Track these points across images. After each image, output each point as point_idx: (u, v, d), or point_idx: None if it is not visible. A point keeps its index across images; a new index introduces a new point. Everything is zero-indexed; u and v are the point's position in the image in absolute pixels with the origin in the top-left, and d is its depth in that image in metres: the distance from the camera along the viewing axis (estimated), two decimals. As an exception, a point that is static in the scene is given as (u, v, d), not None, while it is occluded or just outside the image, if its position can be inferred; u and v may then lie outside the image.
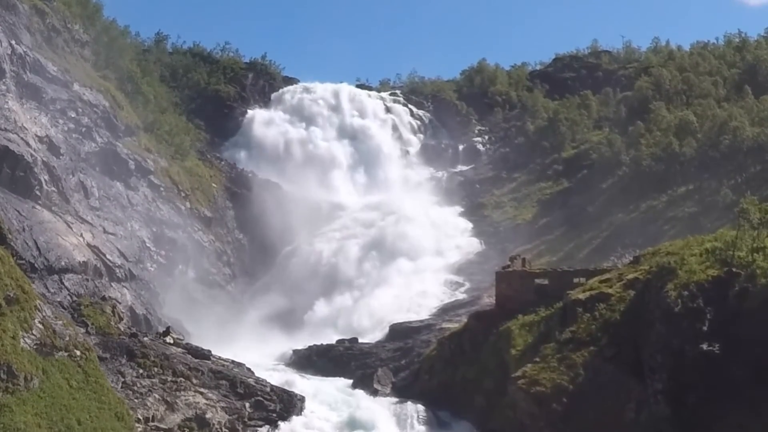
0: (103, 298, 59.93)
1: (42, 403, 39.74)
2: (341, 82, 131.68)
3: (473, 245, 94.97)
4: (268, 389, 52.83)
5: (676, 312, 43.12)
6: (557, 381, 45.15)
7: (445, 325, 67.46)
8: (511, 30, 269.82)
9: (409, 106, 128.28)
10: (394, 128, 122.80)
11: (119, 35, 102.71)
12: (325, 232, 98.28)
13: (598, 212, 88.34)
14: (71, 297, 57.81)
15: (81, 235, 66.67)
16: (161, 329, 61.66)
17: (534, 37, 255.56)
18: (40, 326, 43.29)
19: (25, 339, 41.65)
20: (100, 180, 76.34)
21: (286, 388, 54.57)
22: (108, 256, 68.51)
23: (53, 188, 67.45)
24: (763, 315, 41.27)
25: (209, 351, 56.36)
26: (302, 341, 71.73)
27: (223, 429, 49.13)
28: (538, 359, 46.88)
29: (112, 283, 66.76)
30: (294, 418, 51.80)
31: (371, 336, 72.90)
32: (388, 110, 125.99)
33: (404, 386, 58.13)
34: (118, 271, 68.77)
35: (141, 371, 49.77)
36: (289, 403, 52.37)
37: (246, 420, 50.45)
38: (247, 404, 51.19)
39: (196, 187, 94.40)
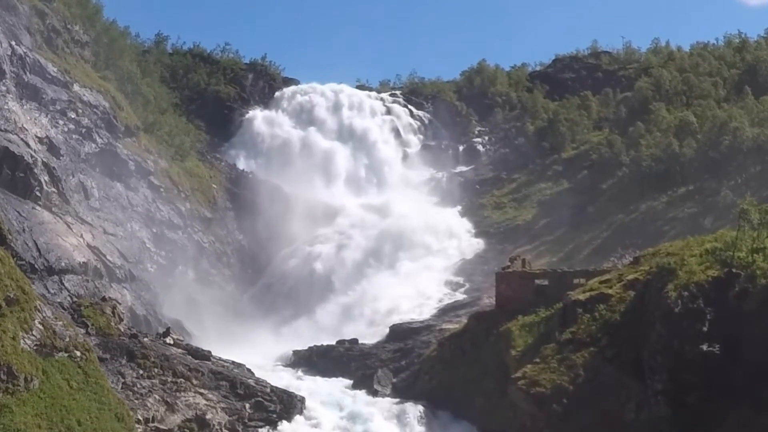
0: (104, 299, 59.88)
1: (42, 404, 39.71)
2: (341, 82, 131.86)
3: (473, 246, 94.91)
4: (268, 390, 52.84)
5: (676, 312, 43.19)
6: (557, 382, 45.22)
7: (445, 325, 67.44)
8: (511, 30, 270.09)
9: (409, 106, 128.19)
10: (394, 129, 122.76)
11: (119, 36, 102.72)
12: (325, 233, 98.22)
13: (598, 213, 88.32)
14: (71, 298, 57.81)
15: (81, 236, 66.70)
16: (161, 330, 61.64)
17: (534, 37, 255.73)
18: (40, 327, 43.29)
19: (25, 340, 41.64)
20: (100, 181, 76.38)
21: (286, 388, 54.60)
22: (108, 257, 68.53)
23: (53, 189, 67.48)
24: (763, 315, 41.35)
25: (209, 352, 56.40)
26: (302, 342, 71.70)
27: (224, 430, 49.13)
28: (538, 360, 46.94)
29: (113, 284, 66.77)
30: (294, 418, 51.81)
31: (371, 337, 72.84)
32: (387, 111, 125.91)
33: (404, 387, 58.15)
34: (118, 271, 68.80)
35: (141, 372, 49.78)
36: (289, 404, 52.38)
37: (246, 421, 50.46)
38: (247, 405, 51.20)
39: (196, 187, 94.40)
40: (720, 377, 40.80)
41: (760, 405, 39.55)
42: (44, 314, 44.84)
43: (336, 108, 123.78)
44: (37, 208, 63.92)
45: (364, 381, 60.05)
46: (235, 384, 52.08)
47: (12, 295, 42.24)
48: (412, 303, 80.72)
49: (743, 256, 44.37)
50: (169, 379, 50.06)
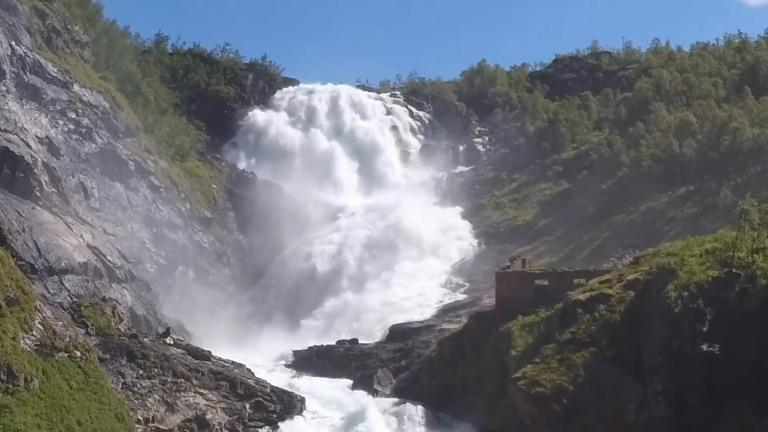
0: (104, 299, 59.90)
1: (42, 404, 39.75)
2: (341, 83, 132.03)
3: (473, 246, 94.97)
4: (268, 390, 52.88)
5: (676, 313, 43.21)
6: (557, 382, 45.23)
7: (445, 325, 67.49)
8: (511, 30, 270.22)
9: (409, 107, 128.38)
10: (394, 129, 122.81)
11: (119, 36, 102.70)
12: (326, 233, 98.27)
13: (598, 213, 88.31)
14: (71, 298, 57.78)
15: (81, 236, 66.65)
16: (161, 330, 61.66)
17: (534, 37, 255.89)
18: (40, 327, 43.30)
19: (26, 340, 41.66)
20: (100, 181, 76.29)
21: (286, 388, 54.62)
22: (108, 257, 68.47)
23: (53, 189, 67.42)
24: (763, 315, 41.37)
25: (209, 352, 56.40)
26: (302, 342, 71.74)
27: (224, 430, 49.17)
28: (538, 360, 46.95)
29: (113, 284, 66.71)
30: (294, 418, 51.82)
31: (371, 337, 72.90)
32: (388, 111, 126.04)
33: (404, 387, 58.17)
34: (118, 272, 68.75)
35: (141, 372, 49.81)
36: (289, 404, 52.42)
37: (246, 421, 50.51)
38: (247, 405, 51.24)
39: (196, 188, 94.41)
40: (720, 378, 40.79)
41: (761, 405, 39.57)
42: (44, 314, 44.85)
43: (336, 108, 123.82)
44: (37, 208, 63.87)
45: (364, 381, 60.07)
46: (235, 384, 52.10)
47: (12, 295, 42.27)
48: (412, 303, 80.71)
49: (743, 256, 44.42)
50: (169, 379, 50.09)
